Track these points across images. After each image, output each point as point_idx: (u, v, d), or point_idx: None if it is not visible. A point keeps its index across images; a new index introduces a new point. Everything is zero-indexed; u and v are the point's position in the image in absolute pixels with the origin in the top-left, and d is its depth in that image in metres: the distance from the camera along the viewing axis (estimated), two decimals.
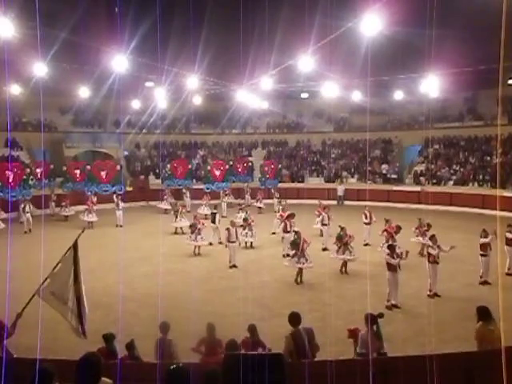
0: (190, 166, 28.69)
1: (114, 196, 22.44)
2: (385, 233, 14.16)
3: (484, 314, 6.39)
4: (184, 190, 26.15)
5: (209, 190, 25.74)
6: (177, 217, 19.56)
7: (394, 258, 10.34)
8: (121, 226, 20.89)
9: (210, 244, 16.50)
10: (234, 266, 13.88)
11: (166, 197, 25.20)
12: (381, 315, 6.52)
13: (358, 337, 6.36)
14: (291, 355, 5.77)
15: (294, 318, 6.08)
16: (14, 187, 21.83)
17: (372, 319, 6.30)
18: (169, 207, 24.40)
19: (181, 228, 19.31)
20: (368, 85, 22.97)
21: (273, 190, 26.30)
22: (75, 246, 6.30)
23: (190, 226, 16.31)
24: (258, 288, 11.61)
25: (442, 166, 28.62)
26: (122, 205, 21.48)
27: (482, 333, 6.27)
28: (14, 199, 21.76)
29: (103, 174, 24.91)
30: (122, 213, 21.20)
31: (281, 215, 17.35)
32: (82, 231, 6.42)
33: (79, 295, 6.16)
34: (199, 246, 15.71)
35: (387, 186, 28.75)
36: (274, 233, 18.22)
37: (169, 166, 27.64)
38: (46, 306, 6.24)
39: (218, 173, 27.13)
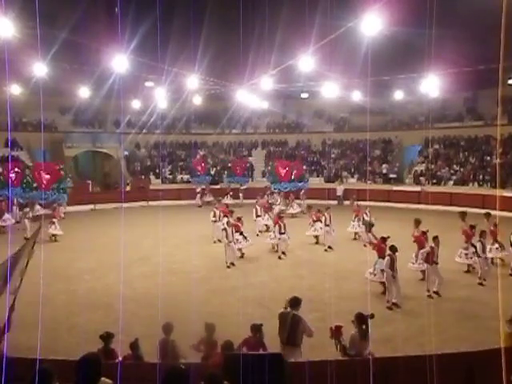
0: (247, 165, 30.46)
1: (57, 206, 19.16)
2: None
3: None
4: (239, 188, 27.77)
5: (276, 190, 25.31)
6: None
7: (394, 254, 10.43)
8: (55, 241, 17.53)
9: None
10: (232, 264, 13.89)
11: (231, 193, 26.69)
12: (372, 316, 6.49)
13: (340, 336, 6.29)
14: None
15: (291, 300, 6.64)
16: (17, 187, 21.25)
17: (362, 319, 6.38)
18: (231, 202, 24.99)
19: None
20: (368, 85, 22.95)
21: (302, 193, 25.17)
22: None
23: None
24: (257, 288, 11.63)
25: (441, 166, 28.62)
26: (62, 215, 19.43)
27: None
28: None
29: (45, 178, 20.44)
30: (57, 225, 17.72)
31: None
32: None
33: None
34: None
35: (387, 185, 28.77)
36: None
37: (230, 164, 30.06)
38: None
39: (283, 172, 26.72)
